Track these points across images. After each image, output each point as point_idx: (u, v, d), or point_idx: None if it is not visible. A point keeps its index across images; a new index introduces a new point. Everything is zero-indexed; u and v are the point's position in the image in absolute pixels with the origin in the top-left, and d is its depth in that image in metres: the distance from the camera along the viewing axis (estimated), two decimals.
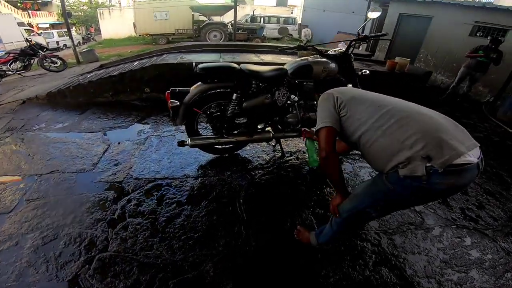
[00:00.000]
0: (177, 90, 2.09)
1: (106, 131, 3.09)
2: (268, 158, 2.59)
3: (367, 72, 2.39)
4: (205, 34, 13.06)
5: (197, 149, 2.49)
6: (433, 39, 6.79)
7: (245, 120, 2.34)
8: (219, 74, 2.07)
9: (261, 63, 4.17)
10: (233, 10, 10.18)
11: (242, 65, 2.10)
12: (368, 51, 8.23)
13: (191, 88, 2.09)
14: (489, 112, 4.65)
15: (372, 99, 1.20)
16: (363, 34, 2.20)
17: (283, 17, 15.75)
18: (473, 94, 5.33)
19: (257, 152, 2.69)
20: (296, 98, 2.24)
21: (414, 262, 1.63)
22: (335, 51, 2.30)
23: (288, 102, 2.22)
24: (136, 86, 4.02)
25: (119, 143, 2.79)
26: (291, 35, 14.91)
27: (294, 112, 2.26)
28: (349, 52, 2.26)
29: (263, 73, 2.08)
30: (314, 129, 1.63)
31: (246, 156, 2.61)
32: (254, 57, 4.57)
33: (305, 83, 2.18)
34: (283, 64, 2.28)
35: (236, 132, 2.31)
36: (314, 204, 2.03)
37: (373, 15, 2.31)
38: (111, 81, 3.97)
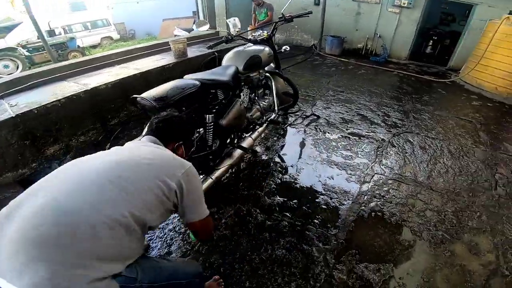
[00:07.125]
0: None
1: None
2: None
3: (288, 48, 2.51)
4: None
5: None
6: None
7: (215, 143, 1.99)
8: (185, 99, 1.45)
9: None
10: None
11: (190, 77, 1.61)
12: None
13: None
14: (319, 50, 6.13)
15: None
16: (288, 15, 2.19)
17: (90, 21, 12.98)
18: (302, 41, 6.71)
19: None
20: (252, 94, 2.11)
21: None
22: (259, 36, 2.26)
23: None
24: None
25: None
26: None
27: (256, 107, 2.14)
28: (273, 34, 2.27)
29: (220, 77, 1.66)
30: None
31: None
32: (127, 71, 2.58)
33: (253, 75, 2.03)
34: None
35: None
36: None
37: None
38: None
